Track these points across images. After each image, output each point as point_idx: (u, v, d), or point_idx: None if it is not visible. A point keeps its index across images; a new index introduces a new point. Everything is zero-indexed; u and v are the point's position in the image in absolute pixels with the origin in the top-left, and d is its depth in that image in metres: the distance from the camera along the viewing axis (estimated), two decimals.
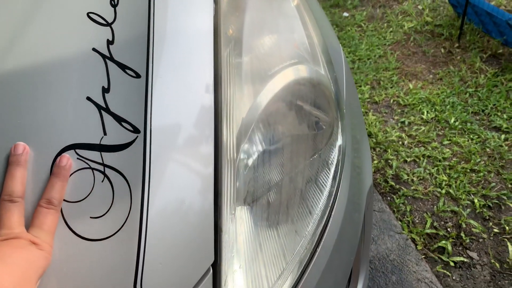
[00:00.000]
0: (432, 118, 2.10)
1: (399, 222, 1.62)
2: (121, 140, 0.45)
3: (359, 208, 0.75)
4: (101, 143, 0.45)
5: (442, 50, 2.64)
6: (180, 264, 0.45)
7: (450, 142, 1.95)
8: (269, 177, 0.60)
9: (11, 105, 0.45)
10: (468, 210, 1.64)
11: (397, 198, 1.71)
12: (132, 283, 0.42)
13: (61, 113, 0.45)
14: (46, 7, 0.52)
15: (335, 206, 0.63)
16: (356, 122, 0.79)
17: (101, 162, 0.44)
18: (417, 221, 1.64)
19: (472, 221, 1.59)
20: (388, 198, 1.73)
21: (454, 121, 2.04)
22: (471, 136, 1.95)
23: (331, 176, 0.64)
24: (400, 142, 1.99)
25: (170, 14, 0.55)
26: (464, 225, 1.59)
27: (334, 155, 0.67)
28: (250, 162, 0.57)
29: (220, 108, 0.53)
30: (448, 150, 1.90)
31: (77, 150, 0.44)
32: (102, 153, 0.44)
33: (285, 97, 0.60)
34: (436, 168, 1.83)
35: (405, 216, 1.65)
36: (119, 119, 0.46)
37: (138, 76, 0.49)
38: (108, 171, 0.44)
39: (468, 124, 2.02)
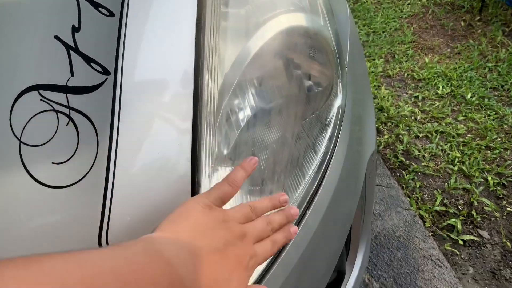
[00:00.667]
0: (447, 93, 2.02)
1: (408, 199, 1.57)
2: (89, 82, 0.41)
3: (358, 174, 0.70)
4: (67, 84, 0.41)
5: (462, 23, 2.52)
6: (152, 220, 0.42)
7: (465, 118, 1.87)
8: (258, 137, 0.56)
9: None
10: (481, 188, 1.58)
11: (406, 174, 1.66)
12: (96, 236, 0.39)
13: (25, 51, 0.42)
14: None
15: (329, 169, 0.58)
16: (359, 83, 0.74)
17: (67, 104, 0.40)
18: (426, 198, 1.59)
19: (484, 199, 1.53)
20: (397, 173, 1.68)
21: (471, 97, 1.95)
22: (488, 112, 1.87)
23: (327, 137, 0.60)
24: (413, 117, 1.91)
25: None
26: (476, 203, 1.54)
27: (332, 115, 0.62)
28: (236, 119, 0.52)
29: (201, 57, 0.48)
30: (462, 126, 1.82)
31: (40, 91, 0.40)
32: (68, 95, 0.41)
33: (277, 48, 0.55)
34: (449, 144, 1.76)
35: (414, 193, 1.60)
36: (88, 60, 0.42)
37: (111, 14, 0.44)
38: (73, 114, 0.40)
39: (486, 99, 1.94)
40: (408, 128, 1.86)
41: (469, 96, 1.95)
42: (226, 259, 0.36)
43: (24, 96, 0.40)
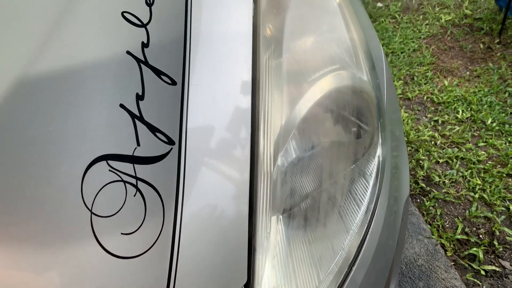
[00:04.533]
0: (467, 118, 2.01)
1: (429, 226, 1.57)
2: (155, 151, 0.43)
3: (396, 221, 0.71)
4: (134, 154, 0.42)
5: (481, 46, 2.52)
6: (213, 284, 0.43)
7: (486, 144, 1.86)
8: (304, 187, 0.57)
9: (42, 111, 0.43)
10: (503, 217, 1.57)
11: (427, 201, 1.66)
12: None
13: (93, 121, 0.44)
14: (80, 7, 0.50)
15: (372, 222, 0.59)
16: (395, 129, 0.75)
17: (134, 175, 0.42)
18: (447, 225, 1.58)
19: (506, 229, 1.52)
20: (418, 200, 1.67)
21: (491, 122, 1.95)
22: (509, 139, 1.86)
23: (369, 191, 0.61)
24: (433, 142, 1.91)
25: (207, 15, 0.52)
26: (497, 233, 1.53)
27: (373, 166, 0.64)
28: (284, 170, 0.54)
29: (257, 115, 0.50)
30: (483, 152, 1.81)
31: (109, 161, 0.42)
32: (135, 165, 0.42)
33: (325, 105, 0.56)
34: (469, 171, 1.75)
35: (435, 220, 1.59)
36: (153, 129, 0.44)
37: (173, 83, 0.46)
38: (140, 185, 0.42)
39: (506, 125, 1.93)
40: (428, 153, 1.86)
41: (489, 121, 1.95)
42: None
43: (94, 166, 0.41)
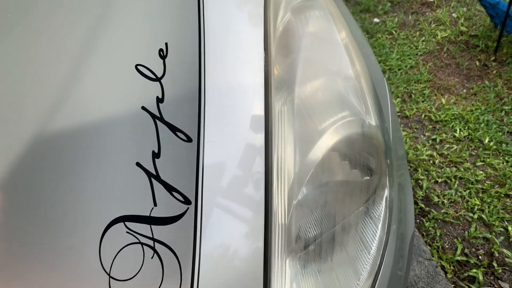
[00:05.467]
0: (465, 137, 2.03)
1: (428, 247, 1.57)
2: (172, 212, 0.43)
3: (403, 259, 0.71)
4: (151, 215, 0.43)
5: (477, 63, 2.55)
6: None
7: (483, 163, 1.88)
8: (314, 229, 0.58)
9: (59, 170, 0.43)
10: (502, 238, 1.58)
11: (426, 221, 1.66)
12: None
13: (110, 180, 0.44)
14: (94, 60, 0.50)
15: (382, 267, 0.60)
16: (401, 166, 0.76)
17: (151, 236, 0.42)
18: (447, 246, 1.59)
19: (505, 250, 1.53)
20: (417, 221, 1.68)
21: (489, 141, 1.97)
22: (506, 158, 1.88)
23: (378, 234, 0.61)
24: (431, 161, 1.93)
25: (220, 67, 0.53)
26: (496, 254, 1.54)
27: (381, 209, 0.64)
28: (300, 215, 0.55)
29: (271, 166, 0.51)
30: (481, 172, 1.83)
31: (126, 223, 0.42)
32: (152, 226, 0.42)
33: (336, 153, 0.57)
34: (468, 191, 1.77)
35: (435, 241, 1.60)
36: (169, 188, 0.44)
37: (189, 140, 0.47)
38: (158, 246, 0.42)
39: (504, 145, 1.95)
40: (427, 172, 1.87)
41: (486, 140, 1.97)
42: None
43: (112, 228, 0.42)
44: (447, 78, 2.47)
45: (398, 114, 2.22)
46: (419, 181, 1.83)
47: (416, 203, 1.74)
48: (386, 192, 0.66)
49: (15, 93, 0.47)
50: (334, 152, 0.58)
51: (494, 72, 2.44)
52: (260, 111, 0.52)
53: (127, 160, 0.44)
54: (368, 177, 0.65)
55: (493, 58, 2.55)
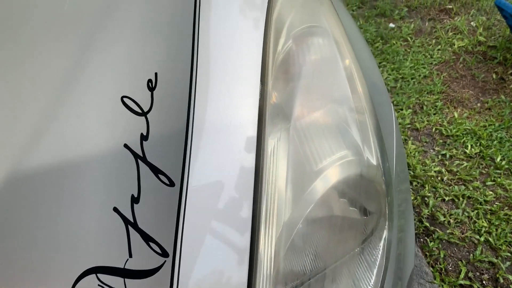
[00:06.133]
0: (476, 154, 1.98)
1: (431, 269, 1.53)
2: (148, 264, 0.41)
3: None
4: (125, 267, 0.40)
5: (494, 76, 2.47)
6: None
7: (494, 183, 1.82)
8: (305, 267, 0.55)
9: (31, 212, 0.41)
10: (508, 263, 1.53)
11: (430, 241, 1.62)
12: None
13: (85, 226, 0.41)
14: (78, 89, 0.47)
15: None
16: (402, 206, 0.72)
17: None
18: (450, 269, 1.55)
19: (510, 277, 1.49)
20: (421, 240, 1.64)
21: (501, 160, 1.91)
22: None
23: (372, 282, 0.58)
24: (439, 178, 1.88)
25: (212, 103, 0.49)
26: (501, 280, 1.49)
27: (378, 253, 0.61)
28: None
29: (259, 214, 0.47)
30: (491, 192, 1.78)
31: (98, 275, 0.40)
32: (125, 279, 0.40)
33: (331, 196, 0.54)
34: (476, 211, 1.71)
35: (438, 263, 1.56)
36: (147, 238, 0.41)
37: (171, 184, 0.44)
38: None
39: None
40: (434, 189, 1.82)
41: (498, 159, 1.91)
42: None
43: (83, 280, 0.39)
44: (461, 90, 2.40)
45: (408, 126, 2.17)
46: (426, 198, 1.78)
47: (421, 221, 1.70)
48: (385, 234, 0.63)
49: None
50: (332, 190, 0.55)
51: (511, 86, 2.37)
52: (251, 153, 0.48)
53: (104, 204, 0.42)
54: (366, 217, 0.61)
55: (510, 71, 2.47)
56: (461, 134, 2.08)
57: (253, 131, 0.50)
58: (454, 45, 2.81)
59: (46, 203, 0.41)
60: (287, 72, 0.59)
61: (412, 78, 2.55)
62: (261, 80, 0.54)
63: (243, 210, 0.46)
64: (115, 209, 0.42)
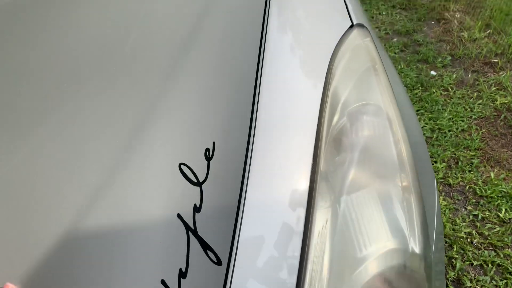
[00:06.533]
0: (510, 219, 1.91)
1: None
2: None
3: None
4: None
5: None
6: None
7: None
8: None
9: (81, 276, 0.42)
10: None
11: None
12: None
13: None
14: (140, 151, 0.49)
15: None
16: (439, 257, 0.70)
17: None
18: None
19: None
20: None
21: None
22: None
23: None
24: (469, 240, 1.82)
25: (263, 180, 0.50)
26: None
27: None
28: None
29: None
30: None
31: None
32: None
33: (372, 285, 0.53)
34: (505, 281, 1.65)
35: None
36: None
37: (219, 262, 0.45)
38: None
39: None
40: (462, 251, 1.77)
41: None
42: None
43: None
44: (500, 150, 2.34)
45: (441, 180, 2.12)
46: (453, 260, 1.73)
47: (446, 284, 1.64)
48: None
49: (56, 179, 0.47)
50: (374, 278, 0.54)
51: None
52: (299, 234, 0.49)
53: (152, 277, 0.43)
54: None
55: None
56: (495, 196, 2.01)
57: (302, 210, 0.50)
58: (497, 101, 2.75)
59: (98, 270, 0.43)
60: (339, 149, 0.59)
61: (449, 130, 2.50)
62: (313, 156, 0.54)
63: None
64: (163, 282, 0.43)
